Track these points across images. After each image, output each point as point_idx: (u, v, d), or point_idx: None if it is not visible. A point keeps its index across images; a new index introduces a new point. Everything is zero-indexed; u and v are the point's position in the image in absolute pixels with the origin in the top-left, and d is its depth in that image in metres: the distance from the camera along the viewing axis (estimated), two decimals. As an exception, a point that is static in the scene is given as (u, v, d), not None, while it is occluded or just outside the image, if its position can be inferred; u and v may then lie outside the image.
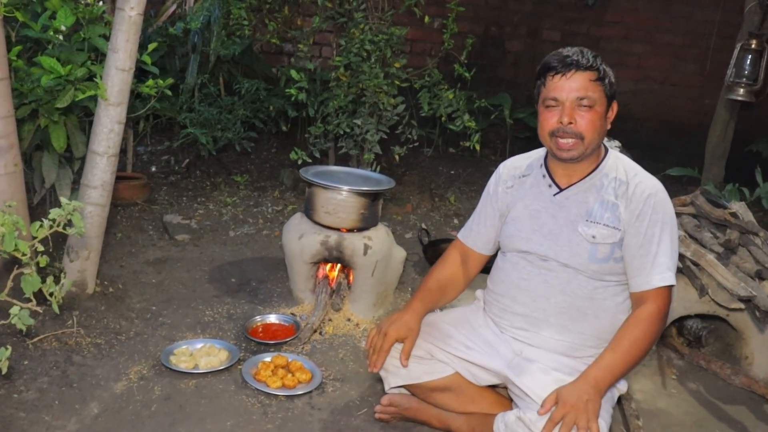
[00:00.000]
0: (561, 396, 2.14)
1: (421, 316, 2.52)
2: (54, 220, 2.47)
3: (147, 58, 3.59)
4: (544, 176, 2.48)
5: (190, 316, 3.47)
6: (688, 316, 3.41)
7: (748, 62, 4.82)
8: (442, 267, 2.70)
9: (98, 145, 3.22)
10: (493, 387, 2.64)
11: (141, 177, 5.14)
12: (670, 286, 2.29)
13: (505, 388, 2.53)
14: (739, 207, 3.47)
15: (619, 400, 2.79)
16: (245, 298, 3.71)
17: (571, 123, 2.28)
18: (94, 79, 3.23)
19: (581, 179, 2.40)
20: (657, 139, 7.19)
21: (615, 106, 2.39)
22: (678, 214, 3.54)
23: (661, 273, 2.27)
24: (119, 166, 5.31)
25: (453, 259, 2.71)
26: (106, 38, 3.43)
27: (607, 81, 2.32)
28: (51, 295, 2.49)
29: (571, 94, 2.28)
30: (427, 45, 7.16)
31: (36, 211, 4.09)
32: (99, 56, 3.82)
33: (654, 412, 2.97)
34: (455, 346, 2.53)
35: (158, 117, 5.75)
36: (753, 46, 4.80)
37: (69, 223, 2.49)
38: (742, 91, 4.89)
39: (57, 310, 2.49)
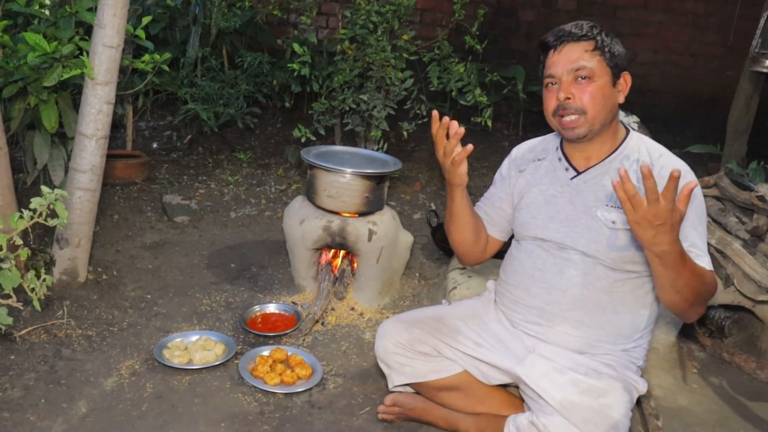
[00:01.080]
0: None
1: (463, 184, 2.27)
2: (35, 210, 2.31)
3: (141, 33, 3.41)
4: (560, 159, 2.32)
5: (186, 305, 3.33)
6: (711, 306, 3.23)
7: (775, 32, 4.59)
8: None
9: (86, 126, 3.05)
10: (503, 386, 2.49)
11: (140, 155, 4.99)
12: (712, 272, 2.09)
13: (517, 387, 2.38)
14: (766, 190, 3.26)
15: (639, 401, 2.63)
16: (245, 285, 3.56)
17: (568, 98, 2.14)
18: (83, 56, 3.06)
19: (600, 161, 2.23)
20: (676, 113, 6.96)
21: (628, 78, 2.21)
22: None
23: (700, 257, 2.04)
24: (119, 144, 5.26)
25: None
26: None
27: (607, 50, 2.15)
28: (32, 290, 2.34)
29: (566, 67, 2.14)
30: (438, 15, 6.93)
31: (30, 191, 3.96)
32: (88, 31, 3.64)
33: (674, 410, 2.81)
34: (464, 343, 2.39)
35: (158, 92, 5.57)
36: (781, 15, 4.56)
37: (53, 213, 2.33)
38: None
39: (38, 307, 2.34)
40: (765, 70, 4.69)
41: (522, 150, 2.47)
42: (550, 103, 2.20)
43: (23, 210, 2.25)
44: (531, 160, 2.40)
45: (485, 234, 2.49)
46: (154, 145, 5.59)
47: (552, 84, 2.19)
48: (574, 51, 2.14)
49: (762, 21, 4.63)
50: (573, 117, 2.14)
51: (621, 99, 2.20)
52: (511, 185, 2.42)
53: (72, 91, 3.76)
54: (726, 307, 3.25)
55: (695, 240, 2.08)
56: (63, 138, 3.81)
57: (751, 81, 5.01)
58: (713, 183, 3.53)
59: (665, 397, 2.88)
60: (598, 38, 2.15)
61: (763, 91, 5.17)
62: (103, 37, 2.94)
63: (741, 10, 6.57)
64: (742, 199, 3.30)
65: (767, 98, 5.55)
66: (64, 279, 3.28)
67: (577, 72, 2.13)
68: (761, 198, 3.23)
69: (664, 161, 2.17)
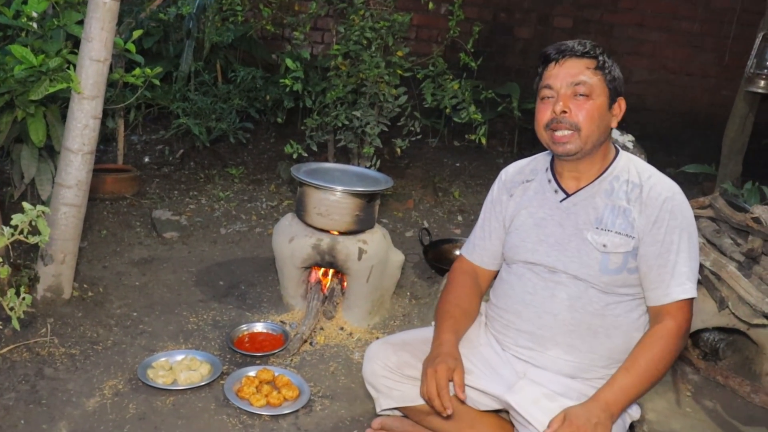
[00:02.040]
0: (569, 416, 1.97)
1: (456, 344, 2.26)
2: (16, 227, 2.27)
3: (131, 46, 3.37)
4: (549, 181, 2.27)
5: (173, 323, 3.27)
6: (705, 329, 3.19)
7: (770, 53, 4.57)
8: (457, 290, 2.44)
9: (72, 141, 3.00)
10: (494, 411, 2.43)
11: (131, 169, 4.94)
12: (691, 299, 2.09)
13: (507, 412, 2.32)
14: (762, 211, 3.23)
15: (632, 426, 2.57)
16: (233, 303, 3.50)
17: (565, 112, 2.10)
18: (70, 69, 3.02)
19: (590, 183, 2.20)
20: (672, 132, 6.95)
21: (623, 103, 2.19)
22: (696, 218, 3.31)
23: (681, 284, 2.08)
24: (110, 158, 5.21)
25: (464, 281, 2.46)
26: (85, 26, 3.22)
27: (608, 71, 2.13)
28: (11, 309, 2.29)
29: (566, 80, 2.11)
30: (434, 31, 6.92)
31: (17, 206, 3.89)
32: (77, 45, 3.61)
33: (668, 435, 2.76)
34: (453, 368, 2.32)
35: (151, 106, 5.53)
36: (776, 35, 4.54)
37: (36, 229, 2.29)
38: (763, 83, 4.62)
39: (17, 326, 2.29)
40: (760, 91, 4.66)
41: (510, 173, 2.43)
42: (544, 116, 2.15)
43: (4, 227, 2.21)
44: (520, 182, 2.36)
45: (477, 296, 2.45)
46: (146, 160, 5.54)
47: (548, 97, 2.15)
48: (575, 66, 2.11)
49: (757, 41, 4.61)
50: (566, 132, 2.11)
51: (614, 123, 2.18)
52: (503, 210, 2.38)
53: (61, 105, 3.71)
54: (720, 329, 3.21)
55: (680, 267, 2.09)
56: (51, 152, 3.76)
57: (746, 101, 4.99)
58: (708, 204, 3.50)
59: (659, 422, 2.83)
60: (601, 58, 2.13)
61: (759, 111, 5.15)
62: (91, 51, 2.90)
63: (736, 31, 6.58)
64: (737, 220, 3.26)
65: (762, 118, 5.53)
66: (49, 296, 3.22)
67: (577, 87, 2.10)
68: (756, 220, 3.20)
69: (653, 182, 2.14)
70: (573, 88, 2.10)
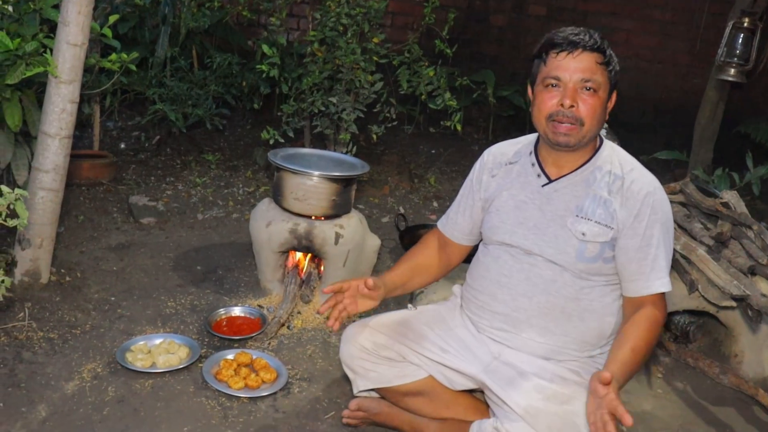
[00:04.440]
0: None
1: (384, 283, 2.35)
2: (-6, 211, 2.27)
3: (108, 31, 3.36)
4: (533, 165, 2.29)
5: (150, 307, 3.28)
6: (676, 312, 3.25)
7: (740, 41, 4.66)
8: (419, 250, 2.53)
9: (49, 125, 3.00)
10: (469, 391, 2.48)
11: (107, 155, 4.92)
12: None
13: (482, 392, 2.36)
14: (731, 196, 3.30)
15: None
16: (210, 288, 3.52)
17: (572, 106, 2.09)
18: (47, 53, 3.01)
19: (573, 171, 2.21)
20: (644, 119, 7.02)
21: (614, 96, 2.21)
22: (667, 203, 3.39)
23: (661, 278, 2.12)
24: (86, 144, 5.18)
25: (431, 245, 2.53)
26: (61, 10, 3.20)
27: (612, 66, 2.14)
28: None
29: (576, 75, 2.10)
30: (409, 18, 6.91)
31: (-8, 192, 3.87)
32: (53, 29, 3.59)
33: (639, 414, 2.83)
34: (429, 348, 2.36)
35: (127, 92, 5.51)
36: (745, 24, 4.63)
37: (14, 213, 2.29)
38: (733, 71, 4.73)
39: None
40: (730, 79, 4.76)
41: (494, 153, 2.42)
42: (547, 105, 2.13)
43: (-20, 211, 2.21)
44: (503, 164, 2.36)
45: (437, 260, 2.52)
46: (122, 146, 5.51)
47: (554, 86, 2.13)
48: (587, 60, 2.10)
49: (727, 30, 4.69)
50: (570, 125, 2.11)
51: (606, 116, 2.20)
52: (482, 189, 2.39)
53: (37, 90, 3.69)
54: (690, 312, 3.28)
55: (659, 261, 2.13)
56: (27, 137, 3.73)
57: (717, 89, 5.07)
58: (679, 189, 3.56)
59: (630, 402, 2.89)
60: (608, 52, 2.13)
61: (729, 99, 5.24)
62: (68, 35, 2.90)
63: (707, 20, 6.65)
64: (707, 205, 3.33)
65: (733, 106, 5.62)
66: (26, 280, 3.22)
67: (587, 82, 2.09)
68: (725, 205, 3.27)
69: (635, 176, 2.17)
70: (582, 83, 2.09)
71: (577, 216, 2.16)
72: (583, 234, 2.14)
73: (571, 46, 2.10)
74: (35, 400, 2.57)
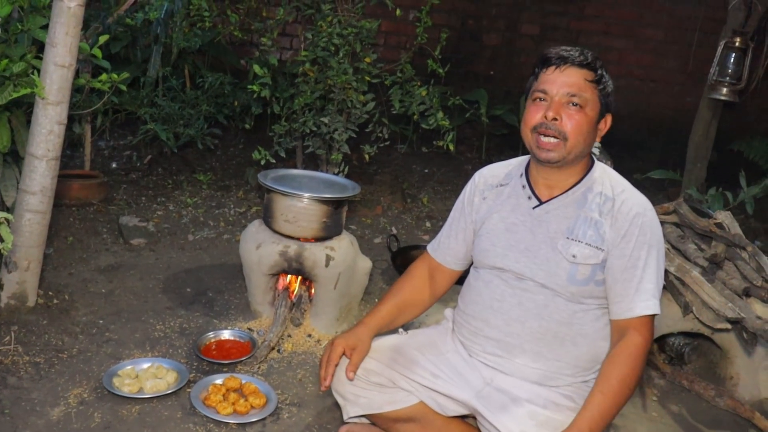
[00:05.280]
0: None
1: (372, 331, 2.37)
2: (-23, 234, 2.23)
3: (97, 51, 3.33)
4: (523, 187, 2.28)
5: (139, 330, 3.24)
6: (671, 334, 3.22)
7: (732, 60, 4.68)
8: (406, 283, 2.51)
9: (36, 147, 2.97)
10: (461, 417, 2.44)
11: (98, 175, 4.88)
12: (654, 315, 2.10)
13: (474, 418, 2.33)
14: (725, 217, 3.28)
15: None
16: (200, 311, 3.47)
17: (556, 119, 2.09)
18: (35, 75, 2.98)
19: (564, 192, 2.20)
20: (637, 138, 7.01)
21: (609, 120, 2.21)
22: (661, 224, 3.35)
23: (645, 300, 2.09)
24: (77, 163, 5.15)
25: (419, 275, 2.51)
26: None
27: (603, 86, 2.14)
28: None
29: (562, 89, 2.10)
30: (402, 38, 6.92)
31: (-20, 213, 3.83)
32: (42, 49, 3.56)
33: (634, 439, 2.79)
34: (421, 374, 2.34)
35: (118, 111, 5.48)
36: (737, 44, 4.64)
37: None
38: (725, 90, 4.74)
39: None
40: (722, 98, 4.76)
41: (485, 175, 2.41)
42: (533, 117, 2.14)
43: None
44: (494, 186, 2.35)
45: (425, 293, 2.51)
46: (113, 165, 5.48)
47: (541, 99, 2.14)
48: (574, 75, 2.10)
49: (719, 49, 4.70)
50: (552, 140, 2.11)
51: (598, 138, 2.19)
52: (473, 212, 2.38)
53: (26, 110, 3.66)
54: (685, 334, 3.25)
55: (645, 284, 2.10)
56: (16, 157, 3.70)
57: (710, 108, 5.07)
58: (672, 210, 3.54)
59: (625, 426, 2.86)
60: (599, 71, 2.13)
61: (722, 117, 5.24)
62: (55, 56, 2.87)
63: (699, 38, 6.65)
64: (701, 226, 3.30)
65: (726, 125, 5.62)
66: (13, 303, 3.18)
67: (572, 97, 2.09)
68: (719, 225, 3.24)
69: (626, 196, 2.15)
70: (568, 97, 2.10)
71: (567, 238, 2.14)
72: (574, 256, 2.12)
73: (560, 60, 2.12)
74: (19, 426, 2.52)
